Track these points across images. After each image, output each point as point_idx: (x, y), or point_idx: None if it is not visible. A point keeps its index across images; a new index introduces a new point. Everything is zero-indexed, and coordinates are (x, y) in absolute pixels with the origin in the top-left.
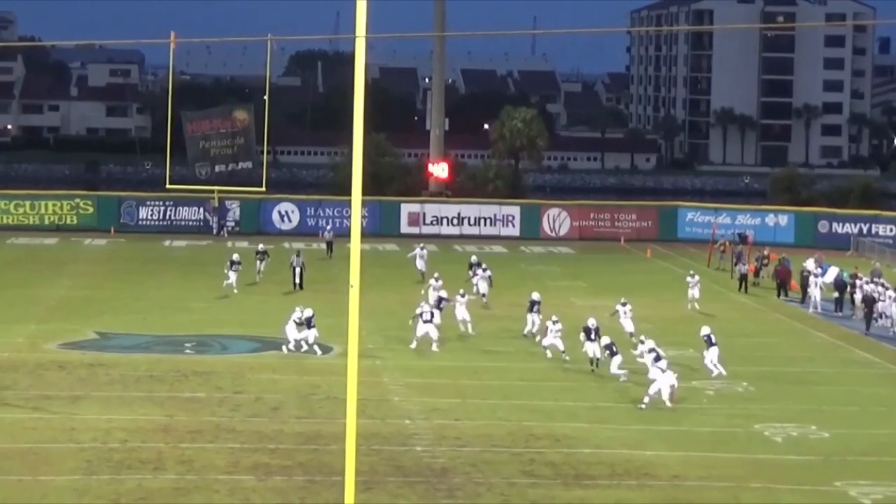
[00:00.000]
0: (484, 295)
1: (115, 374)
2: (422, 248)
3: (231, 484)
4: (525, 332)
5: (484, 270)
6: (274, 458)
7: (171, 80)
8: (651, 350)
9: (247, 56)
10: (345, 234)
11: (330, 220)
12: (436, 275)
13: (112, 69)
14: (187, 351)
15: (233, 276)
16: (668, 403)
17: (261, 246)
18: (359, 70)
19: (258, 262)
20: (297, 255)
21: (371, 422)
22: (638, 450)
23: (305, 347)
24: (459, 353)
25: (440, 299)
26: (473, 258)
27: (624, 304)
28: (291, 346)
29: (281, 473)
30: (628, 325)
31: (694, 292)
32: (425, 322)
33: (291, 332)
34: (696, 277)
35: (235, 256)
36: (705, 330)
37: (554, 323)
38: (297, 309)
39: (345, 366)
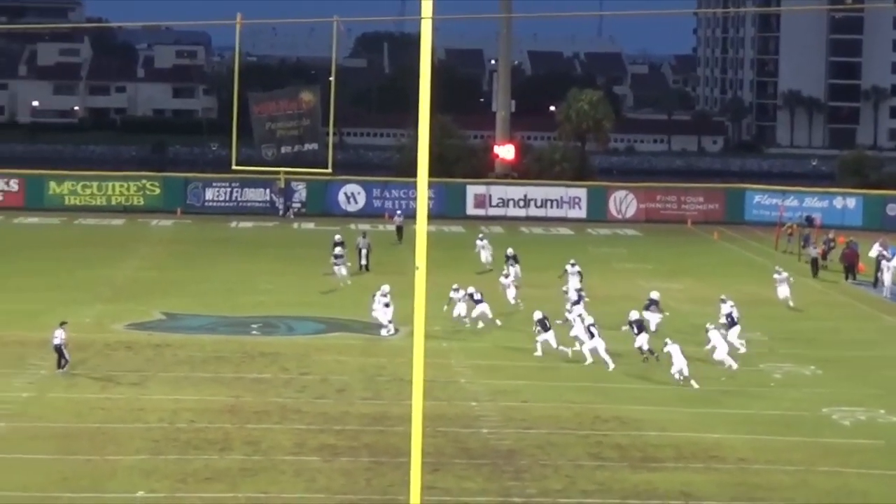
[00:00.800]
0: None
1: (181, 355)
2: (482, 239)
3: (297, 465)
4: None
5: (515, 262)
6: (340, 439)
7: (237, 62)
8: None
9: (313, 37)
10: (410, 216)
11: (396, 202)
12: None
13: (179, 51)
14: (254, 332)
15: (343, 272)
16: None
17: (337, 237)
18: (425, 51)
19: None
20: (363, 237)
21: (437, 403)
22: (704, 432)
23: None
24: (525, 336)
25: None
26: (510, 250)
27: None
28: (391, 329)
29: (347, 455)
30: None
31: (783, 289)
32: (478, 302)
33: (380, 313)
34: (785, 274)
35: (338, 250)
36: (726, 308)
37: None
38: (384, 287)
39: (411, 347)
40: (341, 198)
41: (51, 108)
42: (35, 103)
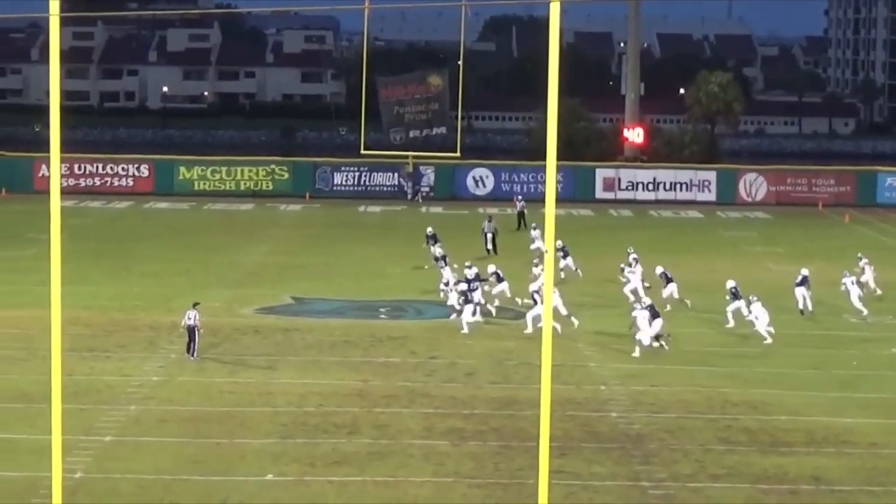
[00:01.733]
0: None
1: (310, 339)
2: (490, 221)
3: (425, 449)
4: (800, 307)
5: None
6: (468, 423)
7: (365, 46)
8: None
9: (441, 21)
10: (540, 199)
11: (524, 187)
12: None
13: (307, 35)
14: (382, 316)
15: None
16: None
17: (429, 230)
18: (554, 35)
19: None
20: (489, 221)
21: (566, 387)
22: (835, 417)
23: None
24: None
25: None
26: (558, 242)
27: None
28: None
29: (475, 438)
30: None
31: (867, 277)
32: (501, 280)
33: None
34: (865, 259)
35: (438, 251)
36: (731, 283)
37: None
38: (468, 268)
39: (539, 331)
40: (469, 182)
41: (180, 94)
42: (165, 89)
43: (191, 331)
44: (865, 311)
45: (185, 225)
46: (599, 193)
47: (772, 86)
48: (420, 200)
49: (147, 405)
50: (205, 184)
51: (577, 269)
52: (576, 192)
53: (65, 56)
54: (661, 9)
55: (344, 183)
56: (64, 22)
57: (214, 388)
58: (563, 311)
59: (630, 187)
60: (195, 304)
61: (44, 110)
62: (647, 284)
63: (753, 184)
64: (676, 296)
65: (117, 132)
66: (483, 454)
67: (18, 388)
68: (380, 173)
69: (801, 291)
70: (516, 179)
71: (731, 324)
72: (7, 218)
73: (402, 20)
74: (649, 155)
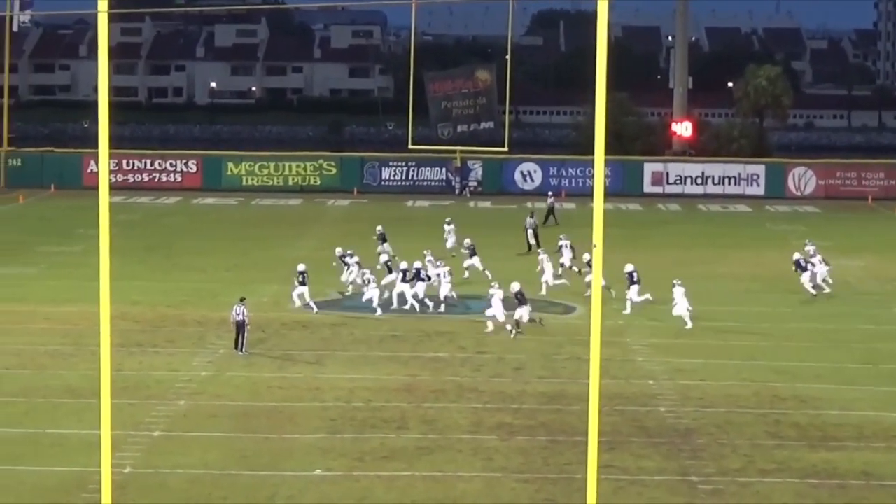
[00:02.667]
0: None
1: (358, 334)
2: (532, 217)
3: (474, 443)
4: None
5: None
6: (517, 417)
7: (413, 41)
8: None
9: (489, 16)
10: (588, 193)
11: (572, 181)
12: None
13: (355, 30)
14: (430, 311)
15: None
16: None
17: (379, 228)
18: (601, 29)
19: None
20: (531, 217)
21: (614, 382)
22: (886, 411)
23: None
24: (702, 315)
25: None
26: (466, 241)
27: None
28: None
29: (524, 433)
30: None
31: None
32: (422, 280)
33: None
34: (812, 246)
35: (387, 250)
36: (629, 267)
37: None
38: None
39: (587, 326)
40: (517, 176)
41: (228, 89)
42: (213, 84)
43: (239, 326)
44: (814, 292)
45: (233, 220)
46: (648, 188)
47: (821, 79)
48: (468, 195)
49: (196, 400)
50: (253, 179)
51: (484, 270)
52: (624, 186)
53: (113, 52)
54: (710, 3)
55: (392, 178)
56: (112, 18)
57: (262, 383)
58: (500, 318)
59: (678, 181)
60: (242, 300)
61: (92, 106)
62: (578, 269)
63: (802, 178)
64: (637, 298)
65: (165, 128)
66: (531, 449)
67: (67, 384)
68: (428, 168)
69: (805, 277)
70: (564, 174)
71: (629, 311)
72: (56, 213)
73: (449, 15)
74: (697, 149)
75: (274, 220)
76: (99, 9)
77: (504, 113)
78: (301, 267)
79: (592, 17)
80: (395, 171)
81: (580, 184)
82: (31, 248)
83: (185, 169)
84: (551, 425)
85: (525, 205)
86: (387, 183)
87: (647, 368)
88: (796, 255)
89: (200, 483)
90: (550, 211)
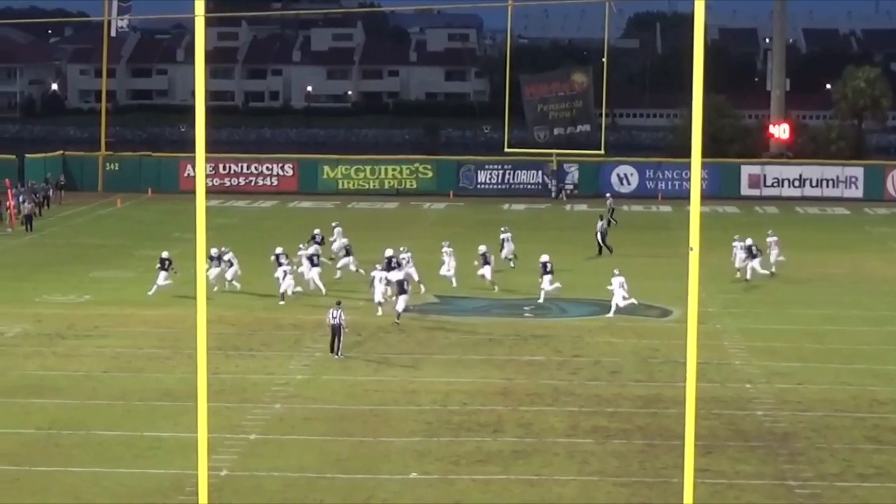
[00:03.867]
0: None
1: (454, 338)
2: (601, 220)
3: (570, 447)
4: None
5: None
6: (613, 421)
7: (508, 44)
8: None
9: (585, 19)
10: (685, 196)
11: (669, 184)
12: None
13: (451, 34)
14: (526, 314)
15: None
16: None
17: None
18: (698, 31)
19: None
20: (601, 220)
21: (711, 385)
22: None
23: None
24: (800, 318)
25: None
26: (344, 240)
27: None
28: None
29: (620, 437)
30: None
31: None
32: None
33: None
34: (774, 237)
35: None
36: (544, 258)
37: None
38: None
39: (684, 329)
40: (614, 179)
41: (324, 93)
42: (309, 88)
43: (335, 329)
44: (749, 277)
45: (329, 224)
46: (745, 190)
47: None
48: (564, 198)
49: (292, 403)
50: (349, 183)
51: (357, 270)
52: (721, 188)
53: (210, 56)
54: (807, 4)
55: (488, 181)
56: (209, 22)
57: (359, 386)
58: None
59: (776, 184)
60: (338, 303)
61: (189, 110)
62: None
63: None
64: (549, 287)
65: (262, 132)
66: (628, 453)
67: (164, 387)
68: (524, 171)
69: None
70: (661, 176)
71: (542, 300)
72: (153, 217)
73: (545, 18)
74: (795, 151)
75: (370, 223)
76: (196, 13)
77: (600, 116)
78: (311, 250)
79: (689, 18)
80: (490, 174)
81: (677, 186)
82: (128, 252)
83: (281, 173)
84: (647, 429)
85: (622, 208)
86: (483, 186)
87: (744, 372)
88: (749, 241)
89: (296, 486)
90: (610, 213)
